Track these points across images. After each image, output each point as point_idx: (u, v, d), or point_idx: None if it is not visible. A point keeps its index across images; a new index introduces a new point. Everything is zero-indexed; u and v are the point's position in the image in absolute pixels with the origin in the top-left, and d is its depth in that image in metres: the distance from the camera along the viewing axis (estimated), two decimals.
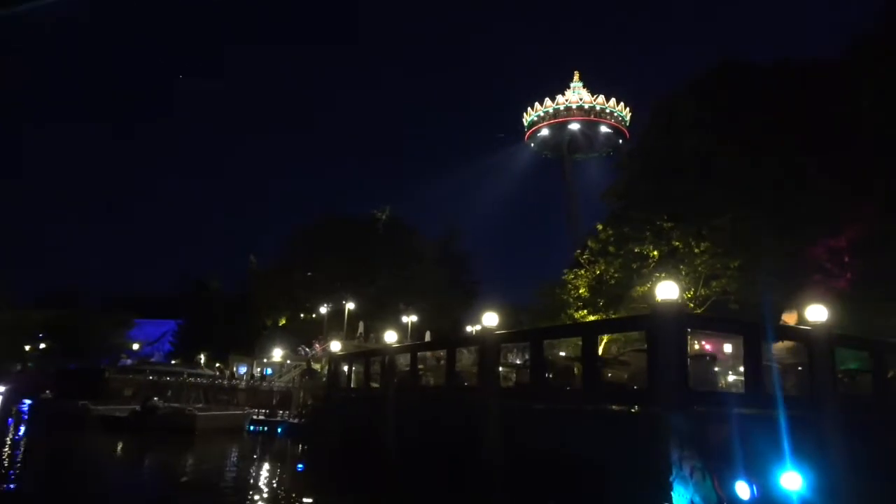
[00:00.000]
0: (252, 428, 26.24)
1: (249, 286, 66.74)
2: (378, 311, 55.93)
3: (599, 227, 31.19)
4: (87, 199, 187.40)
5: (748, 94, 27.18)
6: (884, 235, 19.00)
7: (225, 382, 32.32)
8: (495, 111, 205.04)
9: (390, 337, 18.25)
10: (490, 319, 13.66)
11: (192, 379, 31.59)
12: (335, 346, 22.22)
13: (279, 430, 26.13)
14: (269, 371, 41.08)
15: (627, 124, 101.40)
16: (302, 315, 61.50)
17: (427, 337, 52.94)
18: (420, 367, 18.79)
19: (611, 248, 30.50)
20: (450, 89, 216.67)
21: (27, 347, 60.27)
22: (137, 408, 23.64)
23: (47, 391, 26.03)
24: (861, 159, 21.33)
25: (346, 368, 22.05)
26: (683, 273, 22.68)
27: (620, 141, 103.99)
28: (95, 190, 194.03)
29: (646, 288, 23.79)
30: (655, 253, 23.64)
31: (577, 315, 29.42)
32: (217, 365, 55.99)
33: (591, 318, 29.87)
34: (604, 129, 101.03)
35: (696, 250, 22.42)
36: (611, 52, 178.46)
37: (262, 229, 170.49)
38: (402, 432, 16.64)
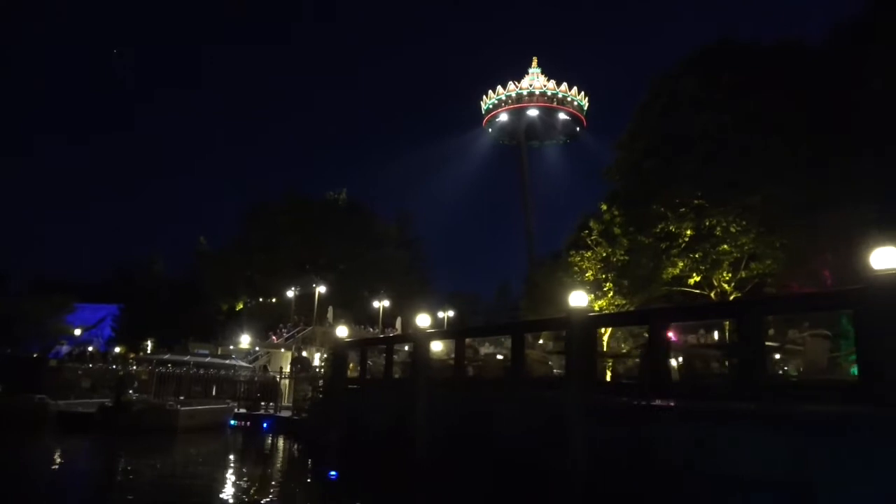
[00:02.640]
0: (234, 423, 23.47)
1: (199, 269, 62.61)
2: (341, 296, 53.25)
3: (603, 206, 29.68)
4: (11, 177, 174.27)
5: (752, 73, 26.24)
6: None
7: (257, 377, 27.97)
8: (451, 96, 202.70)
9: (422, 321, 16.03)
10: (579, 299, 11.67)
11: (223, 372, 27.61)
12: (341, 331, 19.79)
13: (265, 425, 23.51)
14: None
15: (585, 112, 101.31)
16: (261, 299, 57.98)
17: (398, 323, 50.70)
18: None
19: (616, 230, 29.09)
20: (406, 73, 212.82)
21: None
22: (108, 403, 20.50)
23: None
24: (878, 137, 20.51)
25: (355, 357, 19.70)
26: (715, 255, 21.28)
27: (578, 129, 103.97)
28: (20, 167, 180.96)
29: (676, 270, 22.34)
30: (689, 232, 22.09)
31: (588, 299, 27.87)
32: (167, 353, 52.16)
33: (600, 303, 28.43)
34: (562, 116, 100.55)
35: (733, 229, 21.02)
36: (567, 40, 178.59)
37: (208, 211, 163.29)
38: (438, 430, 14.58)
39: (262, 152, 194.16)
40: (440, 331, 18.74)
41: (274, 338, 45.54)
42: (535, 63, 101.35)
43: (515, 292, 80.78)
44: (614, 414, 10.42)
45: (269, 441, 20.99)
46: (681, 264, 22.19)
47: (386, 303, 48.16)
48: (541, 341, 25.22)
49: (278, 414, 24.21)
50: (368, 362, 18.48)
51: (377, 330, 47.55)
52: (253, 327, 45.57)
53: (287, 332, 44.55)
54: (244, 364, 29.80)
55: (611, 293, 28.52)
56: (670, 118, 27.88)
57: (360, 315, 53.32)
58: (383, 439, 16.24)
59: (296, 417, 21.72)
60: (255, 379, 25.98)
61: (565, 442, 10.66)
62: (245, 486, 13.27)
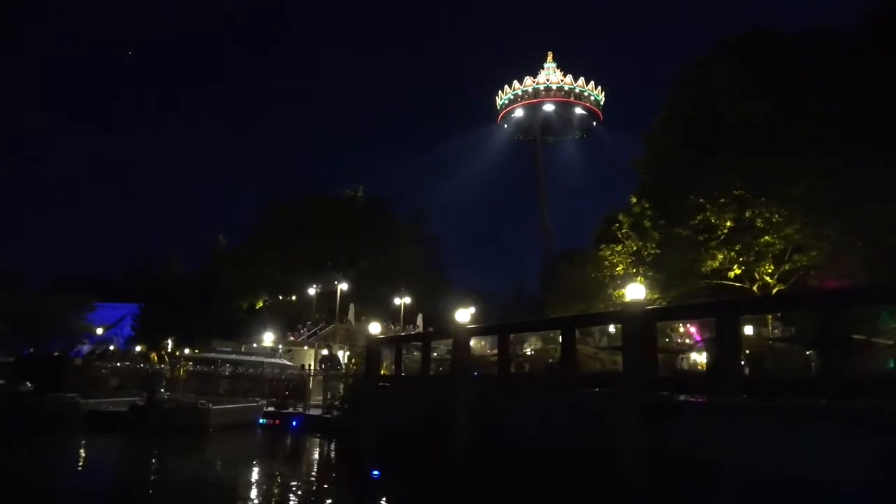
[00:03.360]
0: (263, 421, 23.14)
1: (218, 267, 62.48)
2: (362, 294, 52.86)
3: (633, 199, 29.08)
4: (26, 177, 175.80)
5: (788, 60, 25.55)
6: None
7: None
8: (465, 93, 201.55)
9: (462, 316, 15.54)
10: (636, 291, 11.15)
11: (251, 370, 27.00)
12: (373, 328, 19.36)
13: (294, 423, 23.14)
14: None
15: (601, 106, 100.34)
16: (280, 297, 57.75)
17: (419, 320, 50.28)
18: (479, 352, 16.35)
19: (646, 223, 28.50)
20: (418, 70, 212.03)
21: None
22: (138, 401, 20.20)
23: (28, 383, 22.13)
24: None
25: (389, 354, 19.30)
26: (758, 247, 20.65)
27: (594, 123, 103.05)
28: (32, 166, 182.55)
29: (716, 263, 21.72)
30: (729, 223, 21.45)
31: (616, 294, 27.31)
32: (187, 350, 52.13)
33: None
34: (577, 111, 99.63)
35: (776, 219, 20.38)
36: (579, 34, 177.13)
37: (223, 210, 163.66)
38: (480, 428, 14.11)
39: (277, 150, 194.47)
40: (482, 326, 18.23)
41: (293, 336, 45.25)
42: (550, 58, 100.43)
43: (530, 290, 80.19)
44: (677, 412, 9.91)
45: (301, 440, 20.61)
46: (720, 256, 21.59)
47: (407, 300, 47.69)
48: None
49: (307, 412, 23.83)
50: (404, 359, 18.05)
51: (398, 327, 47.13)
52: (274, 325, 45.27)
53: (309, 330, 44.22)
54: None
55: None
56: (704, 107, 27.28)
57: (380, 312, 52.92)
58: (421, 438, 15.81)
59: (328, 415, 21.34)
60: (283, 377, 25.63)
61: (623, 442, 10.16)
62: (290, 485, 12.90)
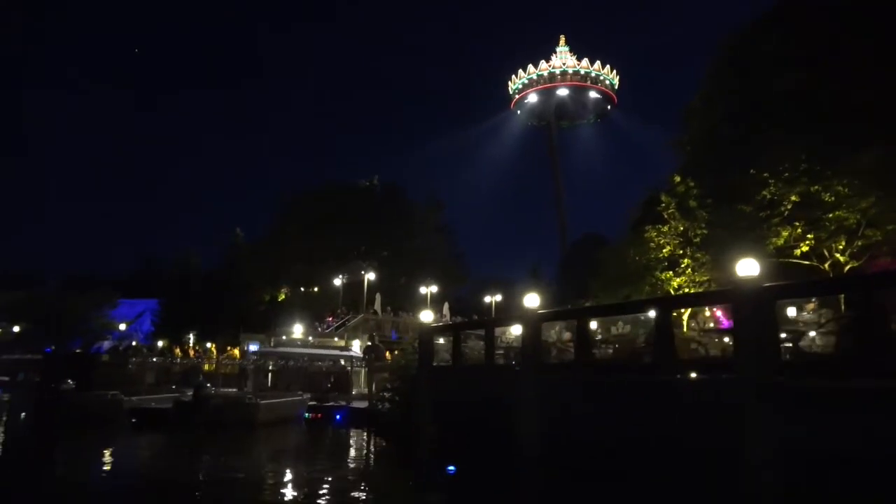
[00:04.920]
0: (307, 415, 22.43)
1: (236, 261, 61.89)
2: (384, 284, 52.11)
3: (676, 178, 28.07)
4: (35, 175, 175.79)
5: (839, 25, 24.46)
6: None
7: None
8: (477, 79, 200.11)
9: (531, 301, 14.67)
10: (749, 267, 10.23)
11: (292, 363, 26.02)
12: (425, 316, 18.55)
13: (337, 416, 22.42)
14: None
15: (616, 89, 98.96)
16: (302, 289, 57.11)
17: (445, 309, 49.50)
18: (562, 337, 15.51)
19: (692, 202, 27.51)
20: (431, 59, 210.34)
21: None
22: (183, 397, 19.48)
23: (70, 380, 21.47)
24: None
25: (444, 342, 18.48)
26: (828, 223, 19.65)
27: (608, 107, 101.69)
28: (45, 163, 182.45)
29: (780, 241, 20.72)
30: (794, 198, 20.43)
31: (663, 276, 26.39)
32: (208, 344, 51.63)
33: (678, 280, 26.97)
34: (592, 94, 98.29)
35: (844, 192, 19.35)
36: (594, 16, 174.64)
37: (238, 205, 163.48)
38: (554, 423, 13.29)
39: (287, 145, 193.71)
40: (556, 311, 17.40)
41: (320, 328, 44.61)
42: (562, 41, 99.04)
43: (547, 276, 79.18)
44: (807, 399, 9.04)
45: (351, 434, 19.87)
46: (784, 234, 20.59)
47: (434, 288, 46.92)
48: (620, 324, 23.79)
49: (351, 405, 23.11)
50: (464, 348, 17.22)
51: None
52: (298, 317, 44.57)
53: (337, 321, 43.54)
54: (354, 353, 28.49)
55: (689, 270, 27.03)
56: (753, 78, 26.24)
57: (403, 302, 52.21)
58: (487, 431, 15.02)
59: (379, 408, 20.55)
60: (324, 369, 24.93)
61: (746, 433, 9.31)
62: (361, 483, 12.16)
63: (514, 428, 14.16)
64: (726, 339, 13.28)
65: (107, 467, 14.43)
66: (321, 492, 11.33)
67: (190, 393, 22.66)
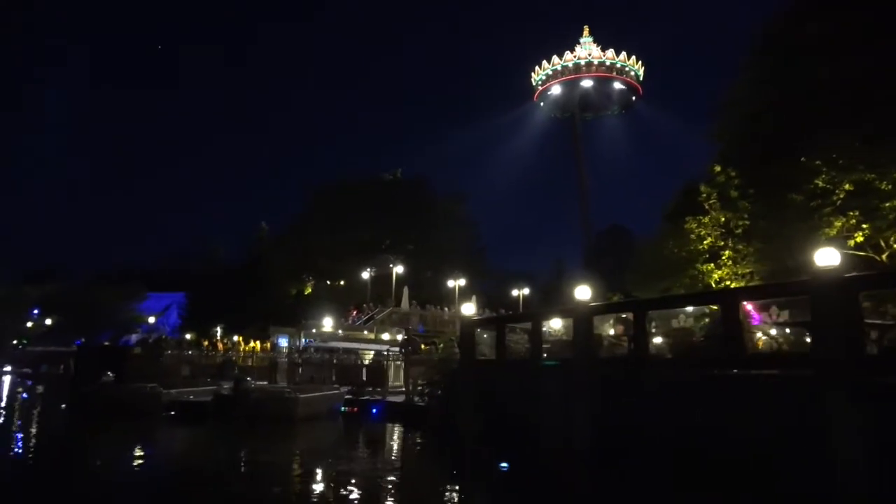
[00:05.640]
0: (343, 409, 22.20)
1: (262, 254, 62.03)
2: (410, 277, 51.85)
3: (716, 168, 27.37)
4: (57, 172, 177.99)
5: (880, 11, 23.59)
6: None
7: None
8: (500, 69, 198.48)
9: (582, 293, 14.22)
10: (828, 257, 9.68)
11: (328, 356, 25.58)
12: (467, 309, 18.17)
13: (373, 410, 22.15)
14: (309, 342, 36.77)
15: (641, 80, 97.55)
16: (328, 282, 57.06)
17: (473, 301, 49.07)
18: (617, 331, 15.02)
19: (732, 193, 26.81)
20: (453, 49, 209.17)
21: (28, 324, 55.16)
22: (223, 391, 19.34)
23: (109, 373, 21.43)
24: None
25: (487, 336, 18.08)
26: (887, 212, 18.94)
27: (633, 98, 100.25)
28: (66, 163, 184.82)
29: (833, 231, 20.02)
30: (848, 186, 19.72)
31: (705, 269, 25.77)
32: (235, 338, 51.76)
33: (718, 272, 26.31)
34: (616, 86, 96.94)
35: None
36: (617, 7, 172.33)
37: (261, 198, 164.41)
38: (607, 420, 12.85)
39: (309, 138, 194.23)
40: (610, 303, 16.90)
41: (348, 321, 44.41)
42: (586, 32, 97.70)
43: (570, 269, 78.38)
44: None
45: (391, 428, 19.57)
46: (838, 224, 19.90)
47: (462, 282, 46.52)
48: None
49: (387, 399, 22.83)
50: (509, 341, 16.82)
51: (453, 310, 46.05)
52: (329, 310, 44.44)
53: (365, 315, 43.34)
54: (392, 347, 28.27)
55: (729, 262, 26.38)
56: (797, 66, 25.44)
57: (429, 296, 51.88)
58: (534, 428, 14.62)
59: (417, 402, 20.27)
60: (359, 362, 24.69)
61: (822, 436, 8.82)
62: (414, 480, 11.85)
63: (565, 424, 13.77)
64: (773, 332, 12.75)
65: (148, 460, 14.28)
66: (371, 487, 11.00)
67: (226, 386, 22.57)
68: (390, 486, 11.15)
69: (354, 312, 46.28)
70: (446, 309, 46.59)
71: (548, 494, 11.37)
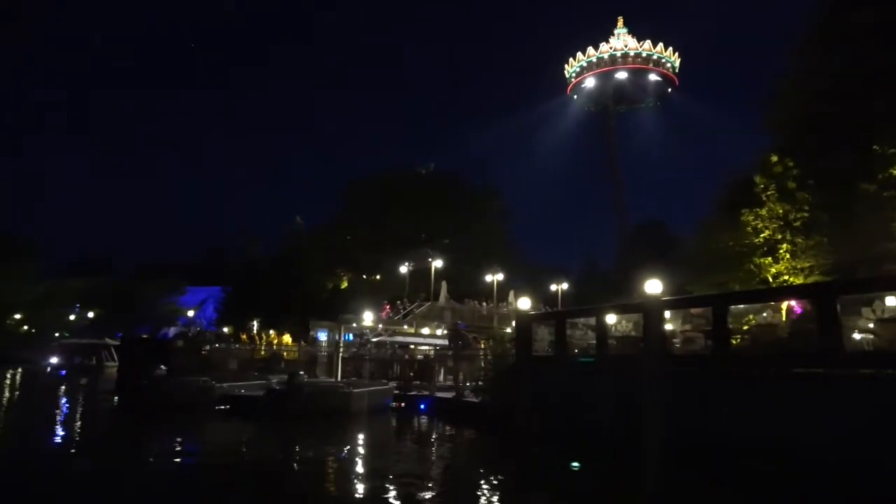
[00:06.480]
0: (392, 404, 21.92)
1: (298, 248, 62.25)
2: (447, 271, 51.42)
3: (773, 158, 26.48)
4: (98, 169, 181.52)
5: None
6: None
7: None
8: (533, 63, 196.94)
9: (653, 287, 13.68)
10: None
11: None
12: (523, 303, 17.68)
13: (422, 405, 21.83)
14: (350, 336, 36.58)
15: (677, 71, 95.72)
16: (364, 276, 57.01)
17: (511, 297, 48.52)
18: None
19: (790, 184, 25.91)
20: (486, 43, 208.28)
21: (72, 317, 56.15)
22: (276, 385, 19.18)
23: (163, 367, 21.43)
24: None
25: (545, 331, 17.60)
26: None
27: (669, 90, 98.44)
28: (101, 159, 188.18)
29: None
30: None
31: (762, 262, 24.93)
32: (271, 331, 51.88)
33: (777, 266, 25.43)
34: (652, 77, 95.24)
35: None
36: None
37: (296, 194, 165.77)
38: (681, 419, 12.28)
39: (342, 133, 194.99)
40: (684, 298, 16.30)
41: (386, 315, 44.19)
42: (620, 23, 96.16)
43: (603, 265, 77.16)
44: None
45: (443, 424, 19.19)
46: None
47: (500, 276, 45.98)
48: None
49: (435, 394, 22.46)
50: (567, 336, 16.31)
51: (491, 305, 45.57)
52: (364, 305, 44.26)
53: (404, 309, 43.08)
54: (443, 341, 27.97)
55: (787, 255, 25.49)
56: (858, 52, 24.52)
57: (466, 290, 51.43)
58: (600, 426, 14.12)
59: (472, 399, 19.87)
60: (406, 357, 24.39)
61: None
62: (490, 477, 11.45)
63: (635, 423, 13.24)
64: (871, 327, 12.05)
65: (205, 455, 14.14)
66: (450, 490, 10.60)
67: (275, 380, 22.44)
68: (473, 487, 10.73)
69: (387, 307, 46.04)
70: (484, 303, 46.12)
71: (629, 496, 10.86)
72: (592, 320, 17.55)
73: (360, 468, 12.58)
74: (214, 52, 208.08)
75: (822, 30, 27.40)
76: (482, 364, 21.22)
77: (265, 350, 27.05)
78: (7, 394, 29.36)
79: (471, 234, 57.18)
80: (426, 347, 28.08)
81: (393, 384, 22.36)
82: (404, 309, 43.35)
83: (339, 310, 40.90)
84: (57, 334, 57.96)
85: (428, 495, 10.15)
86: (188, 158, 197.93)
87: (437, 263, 44.98)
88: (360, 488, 10.68)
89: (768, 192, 25.20)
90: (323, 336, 39.09)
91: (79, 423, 18.74)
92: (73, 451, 14.06)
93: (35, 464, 12.15)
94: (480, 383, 19.55)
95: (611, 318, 18.85)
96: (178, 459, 13.27)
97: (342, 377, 25.20)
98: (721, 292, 16.65)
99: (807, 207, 24.38)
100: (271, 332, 52.61)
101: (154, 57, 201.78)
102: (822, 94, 25.61)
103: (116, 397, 22.09)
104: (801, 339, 11.73)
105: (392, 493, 9.88)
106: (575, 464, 12.67)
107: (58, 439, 15.31)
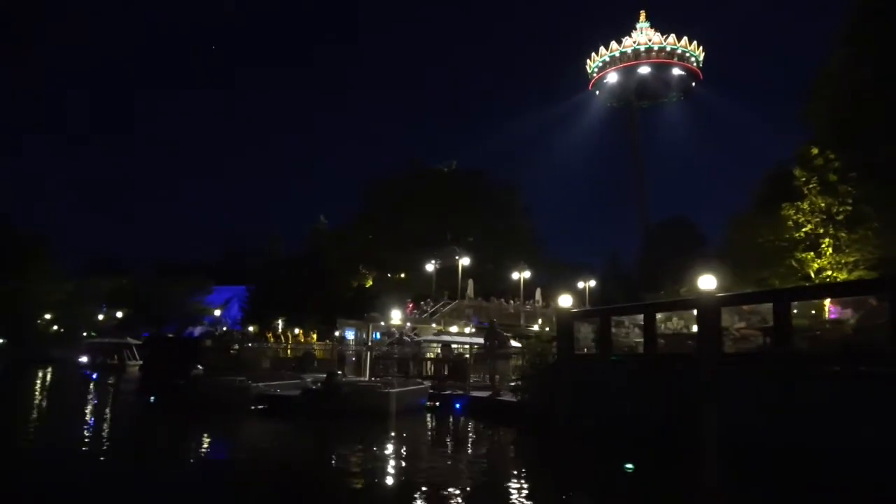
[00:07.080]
0: (426, 403, 21.64)
1: (321, 247, 62.33)
2: (472, 269, 51.08)
3: (814, 150, 25.78)
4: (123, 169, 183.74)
5: None
6: None
7: None
8: (554, 59, 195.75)
9: (707, 283, 13.22)
10: None
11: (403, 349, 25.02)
12: (564, 300, 17.30)
13: (457, 405, 21.51)
14: (378, 336, 36.37)
15: (701, 65, 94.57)
16: (389, 275, 56.89)
17: (538, 295, 48.12)
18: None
19: (831, 177, 25.22)
20: (508, 39, 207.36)
21: (100, 317, 56.71)
22: (312, 384, 18.99)
23: (199, 367, 21.37)
24: None
25: (587, 329, 17.22)
26: None
27: (693, 84, 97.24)
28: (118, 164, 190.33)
29: None
30: None
31: (805, 257, 24.31)
32: (297, 330, 51.97)
33: (819, 261, 24.78)
34: (675, 71, 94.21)
35: None
36: None
37: (318, 193, 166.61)
38: (744, 422, 11.82)
39: (363, 131, 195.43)
40: (741, 294, 15.79)
41: (412, 314, 43.96)
42: (642, 17, 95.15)
43: (626, 263, 76.21)
44: None
45: (475, 423, 18.89)
46: None
47: (527, 274, 45.58)
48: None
49: (470, 393, 22.14)
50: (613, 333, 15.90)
51: (518, 302, 45.20)
52: (390, 303, 44.06)
53: (431, 307, 42.84)
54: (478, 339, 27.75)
55: (829, 250, 24.83)
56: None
57: (492, 288, 51.08)
58: (653, 427, 13.70)
59: (510, 399, 19.52)
60: (441, 355, 24.12)
61: None
62: (553, 483, 11.13)
63: (688, 423, 12.83)
64: None
65: (245, 453, 14.01)
66: (503, 492, 10.27)
67: (309, 379, 22.27)
68: (531, 489, 10.41)
69: (411, 306, 45.82)
70: (511, 301, 45.75)
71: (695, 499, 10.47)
72: (635, 317, 17.22)
73: (405, 468, 12.32)
74: (232, 53, 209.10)
75: (867, 13, 26.63)
76: (519, 362, 20.87)
77: (294, 349, 26.86)
78: (43, 393, 29.57)
79: (495, 232, 56.83)
80: (456, 346, 27.74)
81: (427, 383, 22.04)
82: (430, 308, 43.12)
83: (363, 308, 40.72)
84: (85, 334, 58.62)
85: (491, 494, 9.89)
86: (203, 159, 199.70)
87: (465, 261, 44.63)
88: (414, 489, 10.39)
89: (809, 186, 24.55)
90: (350, 335, 38.94)
91: (121, 423, 18.68)
92: (120, 451, 13.93)
93: (92, 463, 12.19)
94: (519, 382, 19.17)
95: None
96: (222, 459, 13.14)
97: (370, 376, 24.97)
98: (782, 287, 16.07)
99: (850, 200, 23.72)
100: (297, 330, 52.75)
101: (176, 60, 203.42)
102: (866, 83, 24.87)
103: (153, 397, 22.00)
104: (868, 337, 11.22)
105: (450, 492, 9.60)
106: (629, 465, 12.27)
107: (104, 439, 15.34)
